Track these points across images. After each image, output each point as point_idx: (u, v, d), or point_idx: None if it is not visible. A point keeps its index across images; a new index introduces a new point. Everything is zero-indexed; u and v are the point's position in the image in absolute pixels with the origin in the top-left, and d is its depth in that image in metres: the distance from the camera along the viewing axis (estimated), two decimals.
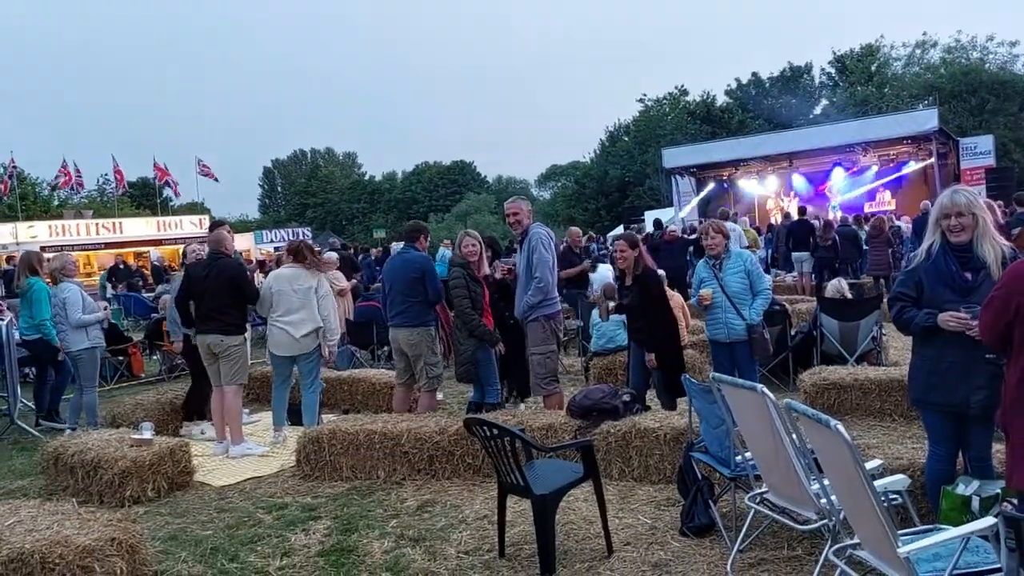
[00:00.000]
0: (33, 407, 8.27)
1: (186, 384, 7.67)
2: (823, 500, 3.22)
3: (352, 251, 19.55)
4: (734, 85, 46.09)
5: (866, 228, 14.62)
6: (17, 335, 7.94)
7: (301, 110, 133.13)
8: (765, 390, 3.36)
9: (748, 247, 14.21)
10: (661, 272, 8.30)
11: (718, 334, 5.99)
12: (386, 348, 9.17)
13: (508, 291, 6.76)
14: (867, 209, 22.34)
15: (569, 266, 10.55)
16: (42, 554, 3.50)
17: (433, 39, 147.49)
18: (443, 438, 5.47)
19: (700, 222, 18.50)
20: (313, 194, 68.43)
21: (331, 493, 5.38)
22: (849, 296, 8.38)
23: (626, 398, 5.45)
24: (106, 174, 45.33)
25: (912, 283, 3.63)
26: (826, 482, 3.12)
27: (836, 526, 3.19)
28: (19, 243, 27.86)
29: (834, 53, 45.49)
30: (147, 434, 5.71)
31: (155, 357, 11.44)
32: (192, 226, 34.28)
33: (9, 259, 22.53)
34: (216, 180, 37.19)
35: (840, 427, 2.66)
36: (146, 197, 49.24)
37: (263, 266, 16.48)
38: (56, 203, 45.37)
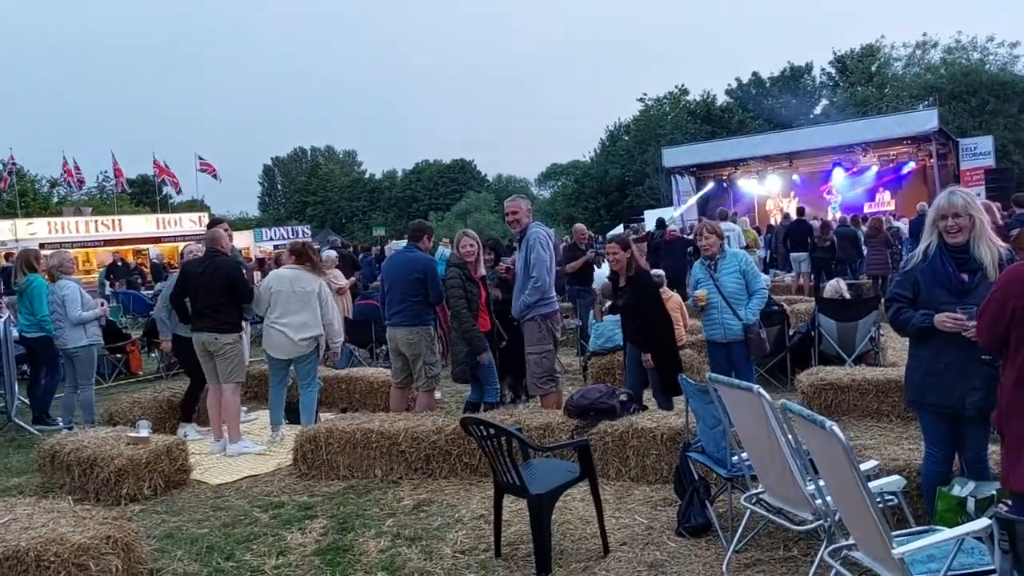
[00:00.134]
0: (29, 405, 8.25)
1: (185, 383, 7.64)
2: (818, 501, 3.22)
3: (352, 249, 19.52)
4: (734, 85, 46.18)
5: (863, 228, 14.63)
6: (15, 332, 7.93)
7: (301, 110, 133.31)
8: (761, 390, 3.36)
9: (748, 247, 14.23)
10: (660, 272, 8.33)
11: (715, 334, 6.01)
12: (384, 347, 9.15)
13: (512, 289, 6.73)
14: (866, 209, 22.36)
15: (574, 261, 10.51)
16: (37, 552, 3.49)
17: (433, 39, 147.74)
18: (440, 437, 5.47)
19: (700, 221, 18.48)
20: (313, 192, 68.42)
21: (328, 492, 5.38)
22: (847, 296, 8.37)
23: (623, 398, 5.45)
24: (105, 171, 45.41)
25: (909, 284, 3.63)
26: (821, 483, 3.12)
27: (831, 527, 3.20)
28: (18, 240, 27.72)
29: (834, 53, 45.59)
30: (144, 432, 5.68)
31: (153, 355, 11.42)
32: (192, 224, 34.13)
33: (8, 256, 22.50)
34: (216, 177, 37.09)
35: (835, 428, 2.66)
36: (146, 194, 49.16)
37: (263, 264, 16.40)
38: (55, 200, 45.27)
